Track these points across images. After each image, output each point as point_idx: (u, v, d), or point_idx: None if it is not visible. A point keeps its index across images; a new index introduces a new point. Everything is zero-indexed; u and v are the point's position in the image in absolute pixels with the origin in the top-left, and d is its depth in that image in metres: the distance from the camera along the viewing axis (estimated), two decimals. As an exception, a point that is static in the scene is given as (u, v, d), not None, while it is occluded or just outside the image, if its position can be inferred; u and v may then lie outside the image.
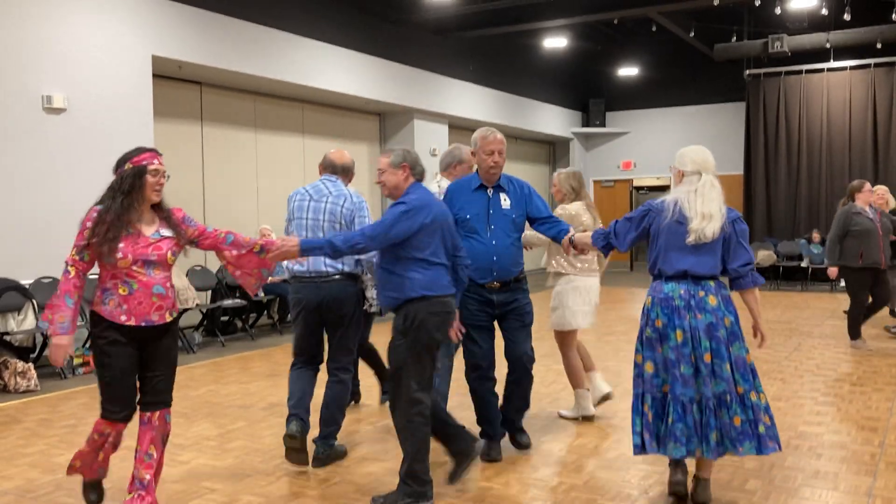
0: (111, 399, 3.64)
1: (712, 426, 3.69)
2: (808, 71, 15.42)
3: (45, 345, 7.39)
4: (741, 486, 4.18)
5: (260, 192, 11.01)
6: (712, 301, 3.83)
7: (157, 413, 3.74)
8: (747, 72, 15.84)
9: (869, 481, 4.23)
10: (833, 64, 15.12)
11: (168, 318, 3.69)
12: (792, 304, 11.94)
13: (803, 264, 14.44)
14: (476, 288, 4.48)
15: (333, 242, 3.83)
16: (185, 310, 8.52)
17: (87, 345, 7.71)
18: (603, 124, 18.57)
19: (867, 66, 14.89)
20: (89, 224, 3.59)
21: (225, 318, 9.71)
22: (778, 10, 12.23)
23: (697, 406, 3.72)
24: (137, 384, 3.72)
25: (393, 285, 3.88)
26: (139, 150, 3.71)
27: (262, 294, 9.86)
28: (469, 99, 14.59)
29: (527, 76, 16.45)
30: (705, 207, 3.75)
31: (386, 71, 12.42)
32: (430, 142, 13.87)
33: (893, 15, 12.50)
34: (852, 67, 15.03)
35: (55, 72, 7.81)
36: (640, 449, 3.83)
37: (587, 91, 18.52)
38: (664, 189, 18.85)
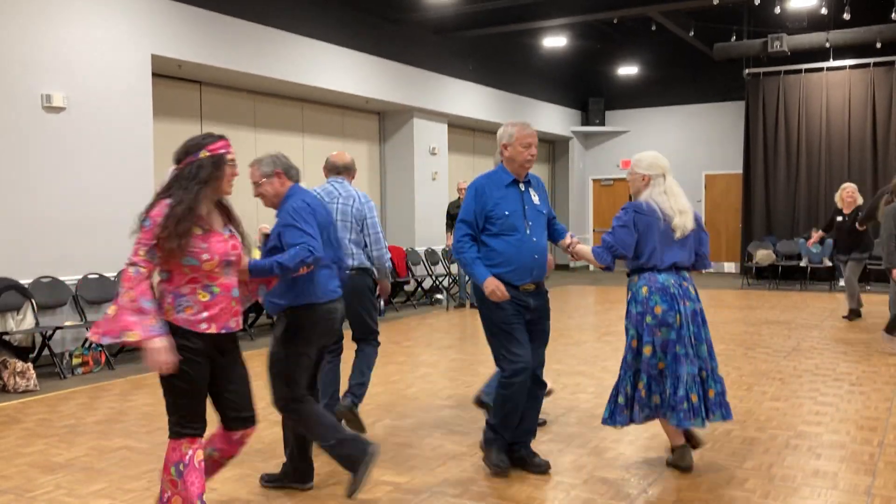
0: (194, 415, 3.26)
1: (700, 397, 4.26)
2: (807, 70, 15.41)
3: (44, 345, 7.39)
4: (741, 484, 4.18)
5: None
6: (692, 290, 4.35)
7: (250, 430, 3.49)
8: (746, 71, 15.84)
9: (868, 480, 4.23)
10: (832, 63, 15.12)
11: (241, 324, 3.44)
12: (791, 303, 11.94)
13: (802, 264, 14.45)
14: (511, 290, 4.19)
15: (281, 263, 3.67)
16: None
17: (86, 345, 7.72)
18: (602, 123, 18.58)
19: (866, 65, 14.88)
20: (159, 219, 3.16)
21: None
22: (777, 10, 12.23)
23: (692, 380, 4.23)
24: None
25: (279, 291, 3.87)
26: (212, 137, 3.43)
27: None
28: (468, 98, 14.59)
29: (526, 75, 16.45)
30: (679, 204, 4.28)
31: (385, 70, 12.42)
32: (430, 141, 13.87)
33: (893, 14, 12.50)
34: (851, 67, 15.03)
35: (54, 71, 7.80)
36: (627, 420, 4.34)
37: (587, 90, 18.52)
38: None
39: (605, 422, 4.43)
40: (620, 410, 4.35)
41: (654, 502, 4.00)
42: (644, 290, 4.27)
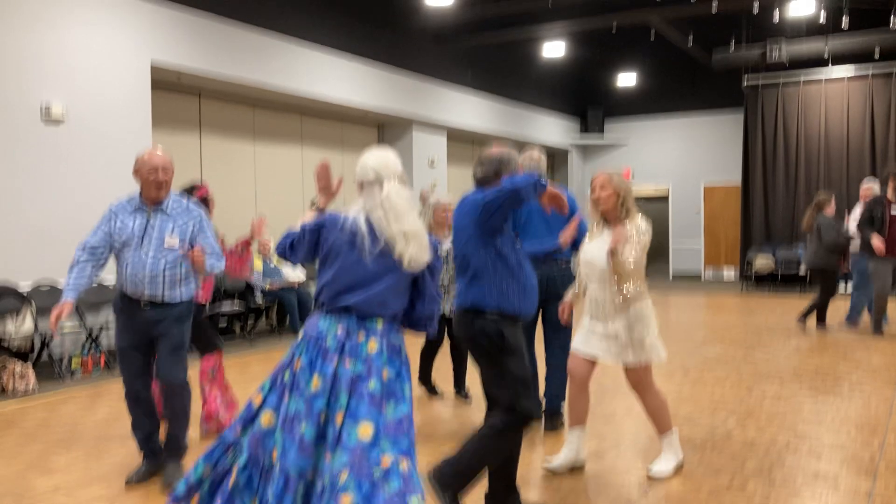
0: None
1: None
2: (805, 81, 15.45)
3: (42, 347, 7.38)
4: (741, 487, 4.17)
5: (258, 202, 11.01)
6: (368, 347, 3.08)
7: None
8: (745, 82, 15.87)
9: (869, 482, 4.22)
10: (831, 72, 15.16)
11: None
12: (791, 307, 11.93)
13: (801, 272, 14.44)
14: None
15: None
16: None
17: (85, 347, 7.72)
18: (601, 133, 18.59)
19: (865, 76, 14.91)
20: None
21: (223, 324, 9.70)
22: (776, 18, 12.27)
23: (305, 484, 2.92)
24: None
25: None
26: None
27: (260, 299, 9.86)
28: (468, 108, 14.61)
29: (525, 85, 16.48)
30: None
31: (385, 79, 12.44)
32: (429, 152, 13.88)
33: (891, 22, 12.53)
34: (850, 77, 15.06)
35: (54, 81, 7.81)
36: None
37: (585, 99, 18.54)
38: (662, 199, 18.88)
39: None
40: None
41: (655, 502, 3.99)
42: (300, 334, 3.09)
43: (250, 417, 3.00)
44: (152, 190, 4.21)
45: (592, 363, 4.38)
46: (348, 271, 3.01)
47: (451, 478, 3.42)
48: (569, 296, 4.55)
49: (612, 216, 4.30)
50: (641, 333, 4.24)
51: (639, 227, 4.25)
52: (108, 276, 8.12)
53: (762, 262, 14.77)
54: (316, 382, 2.91)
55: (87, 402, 6.41)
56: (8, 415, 6.05)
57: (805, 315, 9.75)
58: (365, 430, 2.85)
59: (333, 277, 3.02)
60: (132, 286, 4.19)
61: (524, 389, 3.50)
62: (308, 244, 3.11)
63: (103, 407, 6.25)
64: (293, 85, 10.62)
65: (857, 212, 9.89)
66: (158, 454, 4.42)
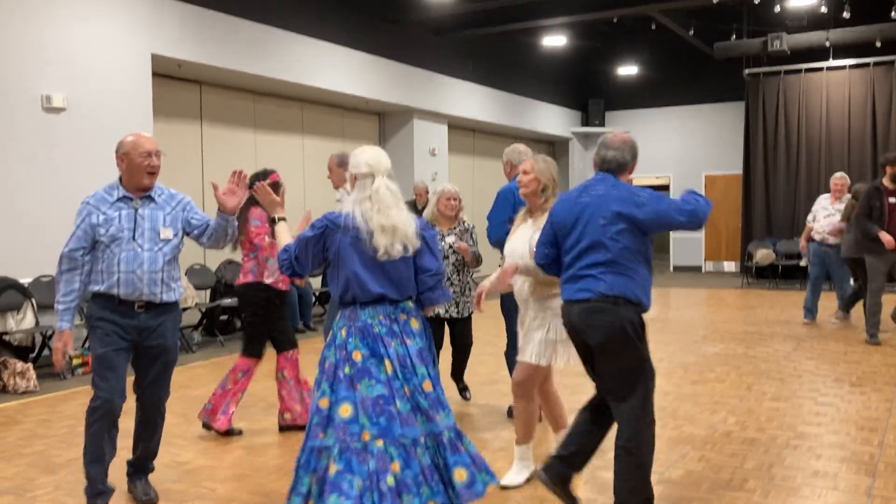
0: None
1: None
2: (807, 70, 15.41)
3: (44, 345, 7.38)
4: (741, 485, 4.18)
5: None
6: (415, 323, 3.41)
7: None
8: (746, 71, 15.83)
9: (868, 481, 4.23)
10: (832, 63, 15.11)
11: None
12: (791, 303, 11.93)
13: (802, 263, 14.43)
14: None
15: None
16: (185, 309, 8.52)
17: (86, 345, 7.72)
18: (602, 124, 18.57)
19: (866, 64, 14.87)
20: None
21: (224, 318, 9.70)
22: (777, 9, 12.22)
23: (435, 446, 3.25)
24: None
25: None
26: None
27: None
28: (468, 98, 14.59)
29: (526, 76, 16.44)
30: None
31: (385, 70, 12.41)
32: (430, 142, 13.86)
33: (893, 13, 12.49)
34: (851, 66, 15.02)
35: (54, 71, 7.80)
36: None
37: (587, 91, 18.51)
38: (663, 189, 18.86)
39: None
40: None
41: (654, 502, 3.99)
42: (343, 332, 3.29)
43: (326, 418, 3.21)
44: (144, 178, 3.77)
45: (537, 368, 4.11)
46: (369, 264, 3.26)
47: (638, 490, 3.50)
48: (486, 283, 3.95)
49: (533, 203, 4.12)
50: (557, 333, 3.98)
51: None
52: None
53: (763, 254, 14.76)
54: (388, 366, 3.22)
55: (88, 401, 6.40)
56: (9, 413, 6.06)
57: (850, 305, 9.70)
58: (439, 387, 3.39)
59: (356, 272, 3.25)
60: (127, 286, 3.71)
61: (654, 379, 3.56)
62: (315, 252, 3.33)
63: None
64: (294, 77, 10.60)
65: (824, 203, 9.62)
66: (109, 494, 3.86)
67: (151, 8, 8.75)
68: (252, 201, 5.09)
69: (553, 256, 3.66)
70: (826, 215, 9.53)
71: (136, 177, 3.79)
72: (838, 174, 9.75)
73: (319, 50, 11.07)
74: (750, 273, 15.22)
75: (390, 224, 3.26)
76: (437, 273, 3.42)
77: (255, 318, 5.20)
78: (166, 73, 9.57)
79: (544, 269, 3.74)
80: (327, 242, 3.30)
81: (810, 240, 9.68)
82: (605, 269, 3.41)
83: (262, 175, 5.14)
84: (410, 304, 3.38)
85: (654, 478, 4.29)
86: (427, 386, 3.27)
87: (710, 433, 5.16)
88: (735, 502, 3.95)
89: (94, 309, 3.79)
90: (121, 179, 3.86)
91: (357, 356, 3.22)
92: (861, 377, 6.79)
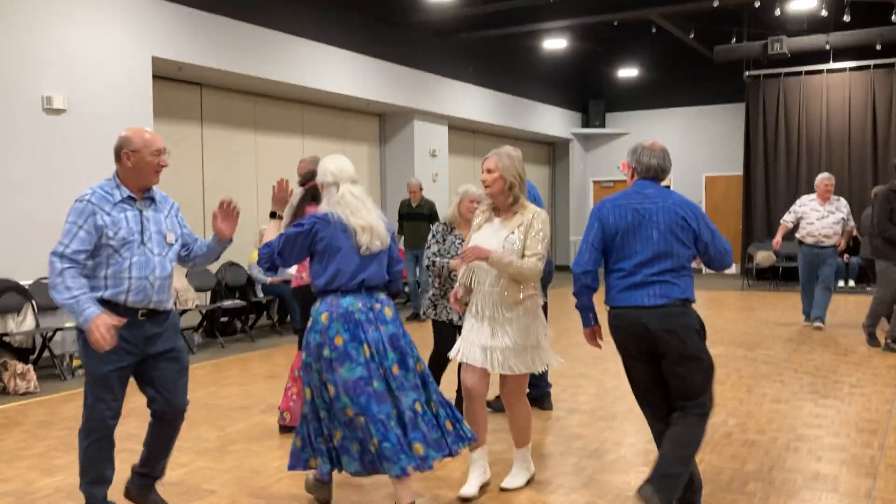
0: None
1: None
2: (807, 72, 15.40)
3: (44, 346, 7.39)
4: (741, 488, 4.18)
5: (260, 194, 10.99)
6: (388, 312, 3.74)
7: None
8: (747, 73, 15.84)
9: (869, 483, 4.23)
10: (832, 65, 15.11)
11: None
12: (791, 305, 11.92)
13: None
14: None
15: None
16: (185, 310, 8.52)
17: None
18: (603, 125, 18.57)
19: (867, 67, 14.87)
20: None
21: (224, 319, 9.71)
22: (777, 12, 12.23)
23: (399, 423, 3.59)
24: None
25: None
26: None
27: (261, 295, 9.86)
28: (469, 100, 14.59)
29: (527, 77, 16.45)
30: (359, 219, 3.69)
31: (386, 72, 12.42)
32: (430, 143, 13.87)
33: (893, 16, 12.49)
34: (852, 69, 15.02)
35: (55, 73, 7.81)
36: (325, 471, 3.81)
37: (587, 92, 18.52)
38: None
39: (292, 467, 3.78)
40: (305, 459, 3.74)
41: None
42: (324, 317, 3.63)
43: (319, 391, 3.66)
44: (153, 176, 3.59)
45: (487, 373, 4.00)
46: (351, 256, 3.65)
47: (671, 483, 3.46)
48: (459, 288, 4.06)
49: (500, 203, 3.97)
50: (537, 336, 4.00)
51: (530, 220, 3.90)
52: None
53: (763, 256, 14.74)
54: (367, 350, 3.59)
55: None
56: (9, 414, 6.07)
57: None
58: (420, 367, 3.77)
59: (342, 264, 3.63)
60: (137, 293, 3.48)
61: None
62: (303, 246, 3.68)
63: (105, 405, 6.25)
64: (294, 79, 10.61)
65: (813, 205, 9.38)
66: None
67: (152, 10, 8.76)
68: (307, 200, 5.10)
69: (601, 263, 3.68)
70: (819, 217, 9.37)
71: (145, 176, 3.58)
72: (826, 175, 9.56)
73: (320, 52, 11.08)
74: (750, 275, 15.21)
75: (368, 224, 3.68)
76: (400, 263, 3.95)
77: None
78: (167, 76, 9.57)
79: (587, 276, 3.67)
80: (318, 236, 3.64)
81: (799, 243, 9.52)
82: (675, 274, 3.57)
83: (312, 175, 5.22)
84: (383, 294, 3.80)
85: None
86: (395, 369, 3.65)
87: (710, 435, 5.14)
88: (735, 505, 3.95)
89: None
90: (119, 177, 3.61)
91: (339, 340, 3.58)
92: (861, 379, 6.78)
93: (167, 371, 3.62)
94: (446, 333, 5.19)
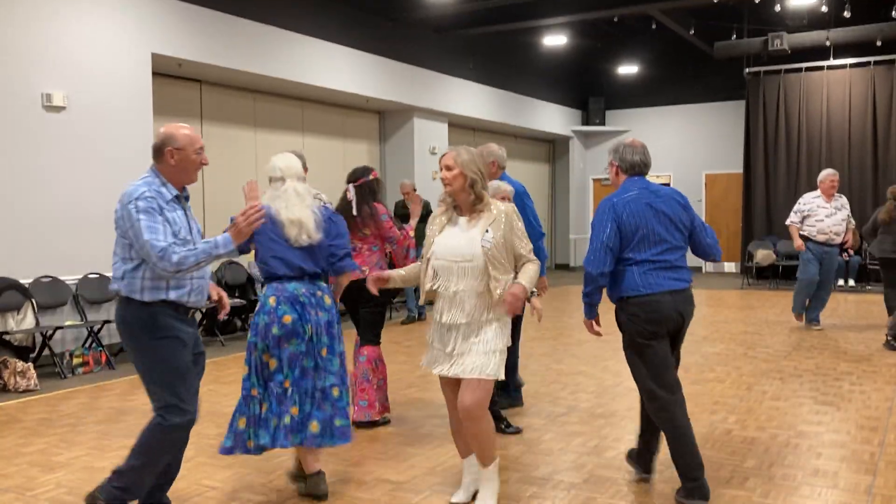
0: None
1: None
2: (807, 69, 15.39)
3: (44, 344, 7.39)
4: (741, 484, 4.18)
5: (260, 191, 11.00)
6: (328, 300, 4.10)
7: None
8: (747, 70, 15.83)
9: (869, 479, 4.23)
10: (833, 62, 15.10)
11: None
12: (791, 303, 11.92)
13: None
14: None
15: None
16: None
17: (86, 344, 7.73)
18: (603, 122, 18.57)
19: (867, 63, 14.86)
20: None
21: (224, 318, 9.70)
22: (778, 8, 12.21)
23: (311, 399, 3.97)
24: None
25: None
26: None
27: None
28: (469, 97, 14.59)
29: (526, 74, 16.45)
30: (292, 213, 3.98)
31: (386, 69, 12.41)
32: (430, 140, 13.86)
33: (893, 12, 12.48)
34: (852, 65, 15.01)
35: (55, 70, 7.80)
36: (249, 448, 4.01)
37: (587, 89, 18.52)
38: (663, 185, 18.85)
39: (225, 451, 4.01)
40: (242, 438, 3.97)
41: (654, 501, 4.00)
42: (272, 300, 3.95)
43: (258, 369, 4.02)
44: (194, 174, 3.58)
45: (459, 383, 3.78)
46: (286, 247, 3.99)
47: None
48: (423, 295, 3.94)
49: (462, 201, 3.74)
50: (505, 340, 3.76)
51: (503, 217, 3.71)
52: (109, 272, 8.16)
53: (763, 254, 14.75)
54: (310, 329, 3.95)
55: (88, 400, 6.43)
56: (10, 412, 6.07)
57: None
58: (339, 360, 4.08)
59: (279, 254, 3.99)
60: (198, 294, 3.51)
61: None
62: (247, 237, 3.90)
63: (105, 404, 6.26)
64: (294, 76, 10.60)
65: (819, 202, 9.18)
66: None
67: (152, 7, 8.75)
68: (369, 195, 5.34)
69: (614, 264, 3.88)
70: (828, 214, 9.16)
71: (188, 174, 3.55)
72: (831, 171, 9.36)
73: (319, 49, 11.07)
74: (750, 273, 15.22)
75: (297, 218, 3.97)
76: (344, 248, 4.19)
77: (381, 308, 5.42)
78: (166, 72, 9.57)
79: (603, 278, 3.85)
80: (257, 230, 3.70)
81: (806, 239, 9.27)
82: (684, 260, 3.97)
83: (363, 171, 5.44)
84: (324, 283, 4.10)
85: (654, 476, 4.31)
86: (324, 352, 4.00)
87: (710, 432, 5.16)
88: (735, 501, 3.95)
89: (163, 318, 3.39)
90: (163, 175, 3.51)
91: (287, 319, 3.93)
92: (861, 376, 6.79)
93: (199, 374, 3.70)
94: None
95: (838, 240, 9.20)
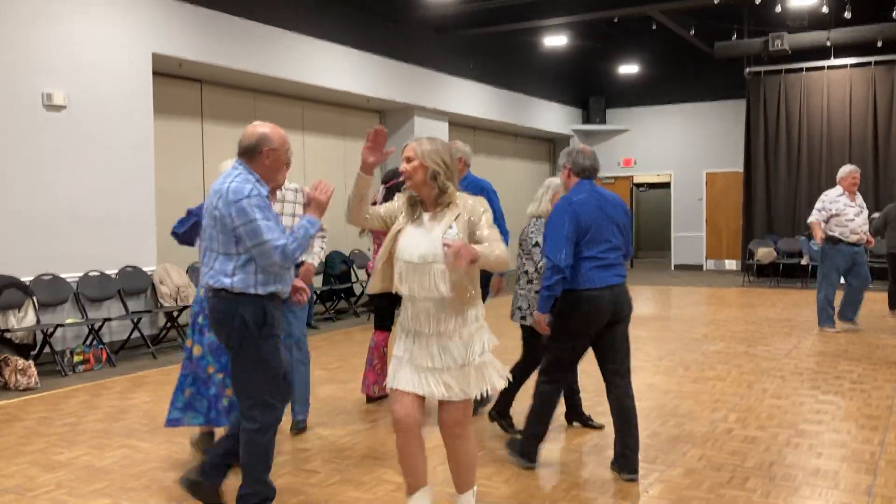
0: None
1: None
2: (808, 69, 15.39)
3: (45, 342, 7.39)
4: (741, 484, 4.18)
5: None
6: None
7: None
8: (747, 70, 15.82)
9: (869, 479, 4.23)
10: (833, 62, 15.09)
11: None
12: (792, 301, 11.94)
13: (803, 262, 14.42)
14: None
15: None
16: (185, 307, 8.52)
17: (87, 342, 7.73)
18: (603, 121, 18.55)
19: (867, 64, 14.85)
20: None
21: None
22: (778, 9, 12.21)
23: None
24: None
25: None
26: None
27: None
28: (469, 96, 14.58)
29: (527, 74, 16.43)
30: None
31: (386, 68, 12.41)
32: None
33: (894, 13, 12.47)
34: (853, 65, 15.00)
35: (55, 69, 7.80)
36: (179, 422, 4.48)
37: (587, 89, 18.49)
38: (664, 186, 18.86)
39: (171, 423, 4.49)
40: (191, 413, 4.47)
41: (654, 501, 4.00)
42: (202, 291, 4.07)
43: (188, 354, 4.47)
44: (283, 175, 3.66)
45: (421, 400, 3.39)
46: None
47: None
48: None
49: (425, 195, 3.39)
50: (483, 350, 3.38)
51: (470, 208, 3.38)
52: (110, 270, 8.14)
53: (764, 252, 14.74)
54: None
55: (89, 398, 6.43)
56: (10, 410, 6.07)
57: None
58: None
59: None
60: (288, 285, 3.65)
61: None
62: (194, 227, 4.52)
63: (105, 403, 6.26)
64: (294, 75, 10.59)
65: (845, 200, 8.78)
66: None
67: (152, 6, 8.74)
68: (392, 197, 5.34)
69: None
70: (856, 213, 8.74)
71: (281, 174, 3.64)
72: (853, 167, 8.97)
73: (320, 48, 11.07)
74: (751, 271, 15.21)
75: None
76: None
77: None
78: (167, 72, 9.56)
79: (568, 269, 4.12)
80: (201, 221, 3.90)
81: (836, 241, 8.72)
82: (621, 258, 4.33)
83: (393, 174, 5.64)
84: None
85: (654, 476, 4.32)
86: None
87: (710, 431, 5.16)
88: (736, 501, 3.95)
89: (271, 310, 3.48)
90: (258, 174, 3.55)
91: (200, 316, 4.37)
92: (862, 375, 6.79)
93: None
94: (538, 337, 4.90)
95: (865, 238, 8.81)
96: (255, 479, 3.60)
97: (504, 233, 5.15)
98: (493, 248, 3.26)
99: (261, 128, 3.62)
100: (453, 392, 3.32)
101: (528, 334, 5.04)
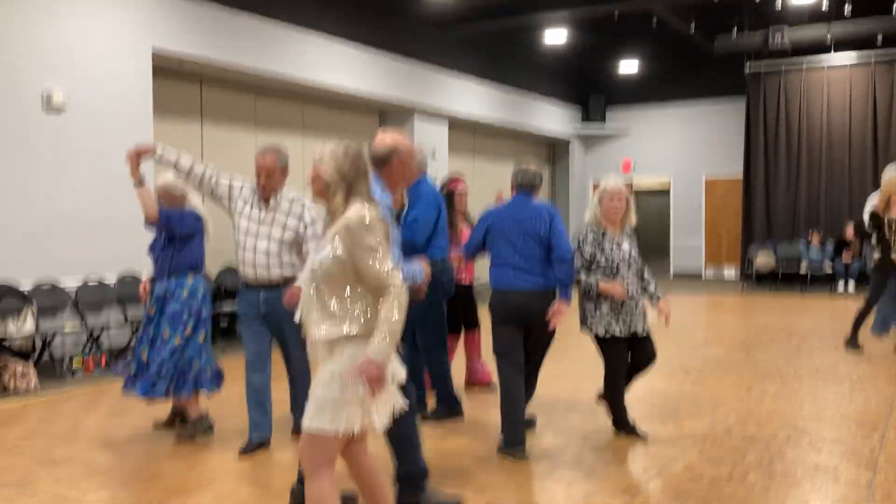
0: None
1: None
2: (808, 65, 15.36)
3: (44, 347, 7.38)
4: (741, 479, 4.18)
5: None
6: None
7: None
8: (748, 69, 15.80)
9: (869, 475, 4.23)
10: (833, 58, 15.08)
11: None
12: (791, 307, 11.93)
13: (802, 272, 14.41)
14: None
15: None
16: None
17: (86, 348, 7.72)
18: (603, 119, 18.46)
19: (868, 61, 14.86)
20: None
21: (224, 324, 9.69)
22: (778, 5, 12.21)
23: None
24: None
25: None
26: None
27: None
28: (469, 95, 14.54)
29: (527, 72, 16.41)
30: None
31: (386, 65, 12.38)
32: (431, 140, 13.82)
33: (894, 9, 12.48)
34: (853, 63, 14.99)
35: (55, 69, 7.78)
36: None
37: (587, 87, 18.42)
38: (663, 192, 18.83)
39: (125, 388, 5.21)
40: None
41: (654, 496, 4.00)
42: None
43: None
44: (405, 186, 4.24)
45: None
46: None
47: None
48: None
49: (329, 208, 3.06)
50: (336, 390, 2.83)
51: (350, 225, 2.89)
52: (109, 275, 8.14)
53: (763, 259, 14.74)
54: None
55: (88, 401, 6.42)
56: (10, 412, 6.06)
57: None
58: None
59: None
60: None
61: None
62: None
63: (104, 405, 6.26)
64: (294, 72, 10.58)
65: (874, 200, 8.47)
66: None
67: (152, 3, 8.73)
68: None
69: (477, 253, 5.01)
70: None
71: (401, 185, 4.03)
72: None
73: (321, 44, 11.05)
74: (750, 278, 15.19)
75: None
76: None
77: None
78: (167, 70, 9.55)
79: (466, 256, 5.11)
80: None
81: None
82: (537, 265, 4.68)
83: (444, 182, 6.24)
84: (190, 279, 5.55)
85: (653, 472, 4.31)
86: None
87: (710, 429, 5.16)
88: (735, 496, 3.95)
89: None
90: (384, 184, 3.77)
91: (185, 293, 5.40)
92: (862, 376, 6.79)
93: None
94: (618, 349, 5.01)
95: None
96: (409, 461, 3.82)
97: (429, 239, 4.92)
98: (382, 323, 2.78)
99: (389, 140, 3.89)
100: (306, 422, 2.88)
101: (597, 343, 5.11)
